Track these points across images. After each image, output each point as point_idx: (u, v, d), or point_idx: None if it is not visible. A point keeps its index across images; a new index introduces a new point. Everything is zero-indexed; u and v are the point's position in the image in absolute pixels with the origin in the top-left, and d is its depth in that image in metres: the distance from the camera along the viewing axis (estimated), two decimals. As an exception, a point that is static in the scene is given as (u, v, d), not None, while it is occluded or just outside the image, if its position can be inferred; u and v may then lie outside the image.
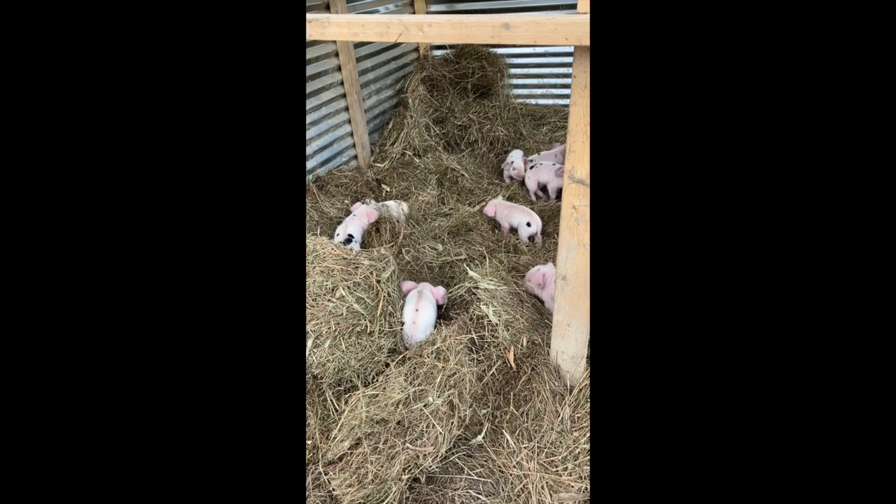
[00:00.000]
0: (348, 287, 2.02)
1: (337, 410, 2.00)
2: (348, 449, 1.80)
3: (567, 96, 4.48)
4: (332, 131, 3.74)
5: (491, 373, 2.00)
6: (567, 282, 1.74)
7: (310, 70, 3.37)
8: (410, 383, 1.88)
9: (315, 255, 2.13)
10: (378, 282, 2.09)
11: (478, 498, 1.74)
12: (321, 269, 2.07)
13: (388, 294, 2.11)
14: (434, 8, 4.58)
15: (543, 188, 3.49)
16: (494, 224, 3.24)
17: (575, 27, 1.25)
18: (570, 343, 1.88)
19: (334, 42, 3.53)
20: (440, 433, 1.76)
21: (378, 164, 4.01)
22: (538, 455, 1.79)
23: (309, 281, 2.02)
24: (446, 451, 1.79)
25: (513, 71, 4.65)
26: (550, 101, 4.65)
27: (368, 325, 2.01)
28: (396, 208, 3.24)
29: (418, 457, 1.72)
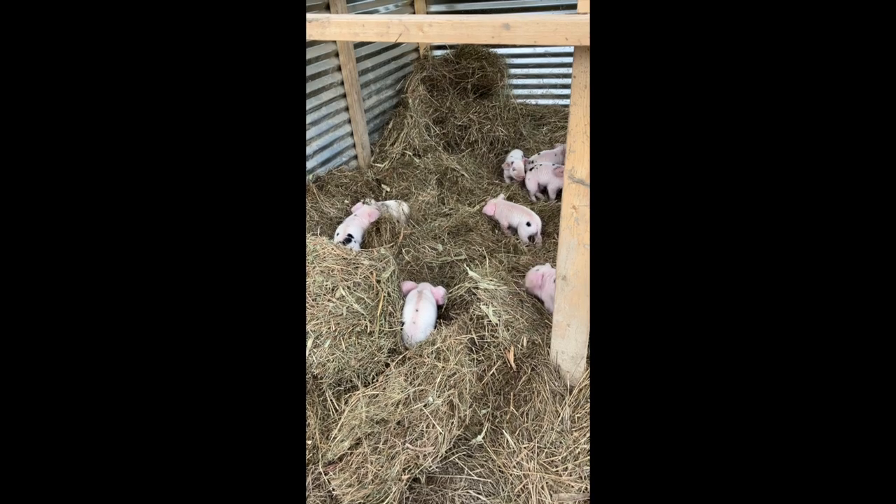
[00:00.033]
0: (348, 287, 2.02)
1: (337, 410, 2.00)
2: (348, 449, 1.80)
3: (567, 96, 4.48)
4: (332, 131, 3.74)
5: (491, 373, 2.00)
6: (567, 282, 1.74)
7: (310, 70, 3.37)
8: (410, 383, 1.88)
9: (315, 255, 2.13)
10: (378, 282, 2.09)
11: (478, 498, 1.74)
12: (321, 269, 2.07)
13: (388, 294, 2.11)
14: (434, 8, 4.58)
15: (544, 189, 3.49)
16: (494, 224, 3.24)
17: (575, 27, 1.25)
18: (570, 343, 1.88)
19: (334, 42, 3.53)
20: (440, 433, 1.76)
21: (378, 164, 4.01)
22: (538, 455, 1.79)
23: (309, 281, 2.02)
24: (446, 452, 1.79)
25: (513, 71, 4.65)
26: (550, 102, 4.65)
27: (368, 325, 2.01)
28: (397, 208, 3.24)
29: (418, 457, 1.72)
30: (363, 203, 3.24)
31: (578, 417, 1.85)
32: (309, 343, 1.95)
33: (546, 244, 2.99)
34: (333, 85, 3.63)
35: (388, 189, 3.69)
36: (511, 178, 3.72)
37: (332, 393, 2.05)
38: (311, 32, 1.63)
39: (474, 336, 2.09)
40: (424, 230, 3.17)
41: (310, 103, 3.44)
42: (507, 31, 1.34)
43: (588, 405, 1.87)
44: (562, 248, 1.69)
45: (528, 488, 1.72)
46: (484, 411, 1.92)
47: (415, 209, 3.37)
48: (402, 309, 2.21)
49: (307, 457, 1.86)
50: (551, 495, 1.69)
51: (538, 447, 1.81)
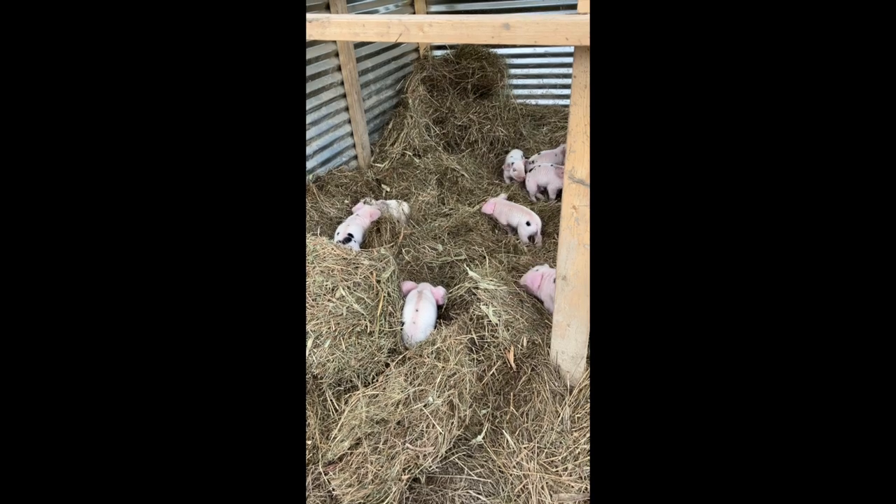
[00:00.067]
0: (348, 287, 2.02)
1: (337, 410, 1.99)
2: (348, 449, 1.80)
3: (567, 96, 4.48)
4: (332, 131, 3.74)
5: (491, 373, 2.00)
6: (567, 282, 1.74)
7: (310, 70, 3.37)
8: (410, 383, 1.88)
9: (315, 255, 2.13)
10: (378, 282, 2.09)
11: (478, 498, 1.74)
12: (321, 269, 2.07)
13: (388, 294, 2.11)
14: (434, 8, 4.58)
15: (543, 190, 3.49)
16: (494, 224, 3.24)
17: (575, 27, 1.25)
18: (570, 343, 1.88)
19: (334, 42, 3.53)
20: (440, 433, 1.75)
21: (378, 165, 4.01)
22: (538, 455, 1.79)
23: (309, 281, 2.02)
24: (446, 452, 1.79)
25: (513, 71, 4.65)
26: (550, 102, 4.65)
27: (368, 325, 2.01)
28: (397, 208, 3.24)
29: (418, 457, 1.72)
30: (364, 203, 3.23)
31: (578, 417, 1.85)
32: (309, 343, 1.95)
33: (546, 244, 2.99)
34: (333, 85, 3.63)
35: (388, 189, 3.69)
36: (511, 179, 3.72)
37: (332, 393, 2.05)
38: (312, 32, 1.63)
39: (474, 336, 2.09)
40: (424, 230, 3.17)
41: (310, 103, 3.44)
42: (508, 31, 1.34)
43: (588, 405, 1.87)
44: (562, 248, 1.69)
45: (528, 488, 1.72)
46: (484, 411, 1.92)
47: (415, 209, 3.37)
48: (402, 309, 2.21)
49: (307, 457, 1.86)
50: (551, 495, 1.69)
51: (538, 447, 1.81)
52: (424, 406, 1.80)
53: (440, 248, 2.98)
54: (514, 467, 1.78)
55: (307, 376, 2.04)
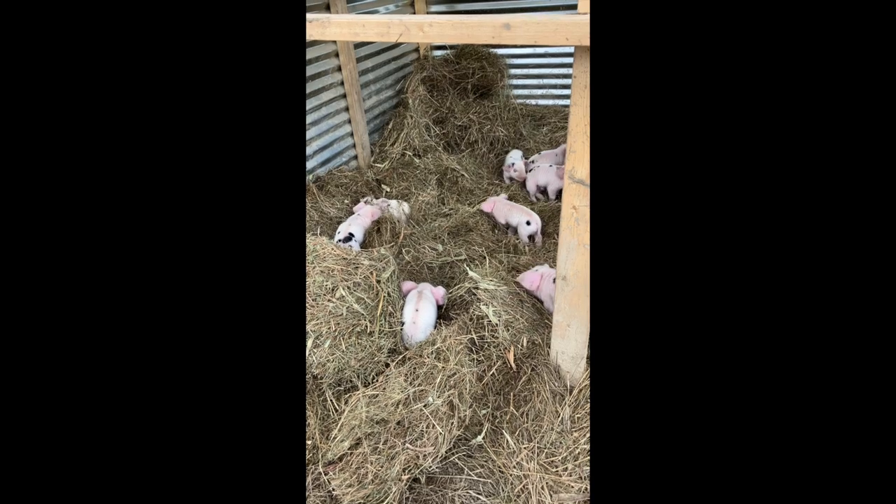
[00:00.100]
0: (348, 287, 2.02)
1: (337, 410, 1.99)
2: (348, 449, 1.80)
3: (567, 97, 4.48)
4: (333, 131, 3.74)
5: (491, 373, 2.00)
6: (567, 282, 1.74)
7: (310, 70, 3.37)
8: (410, 383, 1.88)
9: (315, 255, 2.13)
10: (378, 282, 2.09)
11: (478, 498, 1.74)
12: (321, 269, 2.06)
13: (388, 294, 2.11)
14: (434, 8, 4.58)
15: (543, 190, 3.49)
16: (494, 224, 3.24)
17: (575, 27, 1.25)
18: (570, 343, 1.88)
19: (334, 42, 3.54)
20: (440, 433, 1.75)
21: (378, 165, 4.01)
22: (538, 455, 1.78)
23: (309, 281, 2.02)
24: (446, 452, 1.79)
25: (513, 71, 4.66)
26: (550, 102, 4.65)
27: (368, 325, 2.01)
28: (397, 208, 3.24)
29: (418, 457, 1.72)
30: (365, 202, 3.23)
31: (578, 418, 1.85)
32: (309, 343, 1.95)
33: (546, 244, 2.99)
34: (333, 85, 3.63)
35: (388, 189, 3.69)
36: (511, 179, 3.72)
37: (332, 393, 2.05)
38: (312, 32, 1.63)
39: (474, 336, 2.09)
40: (424, 230, 3.17)
41: (310, 103, 3.44)
42: (508, 31, 1.34)
43: (588, 405, 1.87)
44: (562, 248, 1.69)
45: (528, 488, 1.72)
46: (484, 411, 1.92)
47: (415, 209, 3.37)
48: (402, 309, 2.21)
49: (307, 457, 1.86)
50: (551, 495, 1.69)
51: (538, 447, 1.81)
52: (424, 406, 1.80)
53: (440, 248, 2.98)
54: (514, 467, 1.78)
55: (307, 376, 2.04)
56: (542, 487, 1.70)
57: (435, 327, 2.20)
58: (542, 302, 2.36)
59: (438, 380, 1.85)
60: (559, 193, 3.39)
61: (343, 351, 1.96)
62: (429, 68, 4.33)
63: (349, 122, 3.87)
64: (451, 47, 4.50)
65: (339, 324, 1.96)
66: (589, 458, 1.74)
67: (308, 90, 3.38)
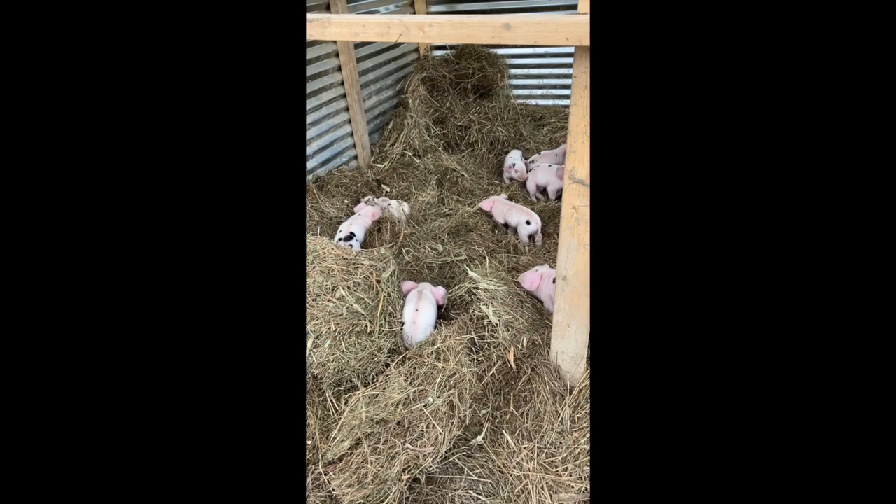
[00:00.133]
0: (348, 287, 2.02)
1: (337, 410, 1.99)
2: (348, 449, 1.80)
3: (567, 97, 4.48)
4: (333, 131, 3.74)
5: (491, 373, 2.00)
6: (567, 282, 1.74)
7: (310, 70, 3.37)
8: (410, 383, 1.88)
9: (315, 255, 2.13)
10: (378, 282, 2.09)
11: (478, 498, 1.74)
12: (321, 269, 2.06)
13: (388, 294, 2.11)
14: (434, 8, 4.58)
15: (543, 190, 3.49)
16: (494, 224, 3.24)
17: (576, 27, 1.25)
18: (571, 343, 1.88)
19: (335, 42, 3.54)
20: (440, 433, 1.75)
21: (378, 165, 4.01)
22: (538, 455, 1.78)
23: (309, 281, 2.02)
24: (446, 452, 1.79)
25: (513, 71, 4.66)
26: (550, 102, 4.65)
27: (368, 325, 2.01)
28: (397, 208, 3.24)
29: (418, 457, 1.72)
30: (366, 203, 3.24)
31: (578, 418, 1.85)
32: (309, 343, 1.95)
33: (546, 244, 2.99)
34: (334, 85, 3.63)
35: (388, 189, 3.69)
36: (511, 180, 3.72)
37: (332, 393, 2.04)
38: (312, 32, 1.63)
39: (474, 336, 2.09)
40: (424, 230, 3.17)
41: (310, 103, 3.44)
42: (508, 31, 1.34)
43: (588, 405, 1.87)
44: (562, 248, 1.69)
45: (528, 489, 1.72)
46: (484, 411, 1.92)
47: (415, 209, 3.37)
48: (402, 309, 2.21)
49: (307, 457, 1.86)
50: (551, 496, 1.69)
51: (538, 447, 1.81)
52: (424, 406, 1.80)
53: (440, 248, 2.98)
54: (514, 467, 1.77)
55: (307, 376, 2.04)
56: (542, 487, 1.70)
57: (435, 327, 2.20)
58: (541, 302, 2.36)
59: (438, 380, 1.85)
60: (559, 193, 3.39)
61: (343, 351, 1.96)
62: (429, 68, 4.34)
63: (349, 122, 3.87)
64: (451, 47, 4.50)
65: (339, 324, 1.96)
66: (589, 458, 1.74)
67: (308, 90, 3.38)
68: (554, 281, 1.99)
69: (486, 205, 3.23)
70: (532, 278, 2.36)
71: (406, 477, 1.71)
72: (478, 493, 1.75)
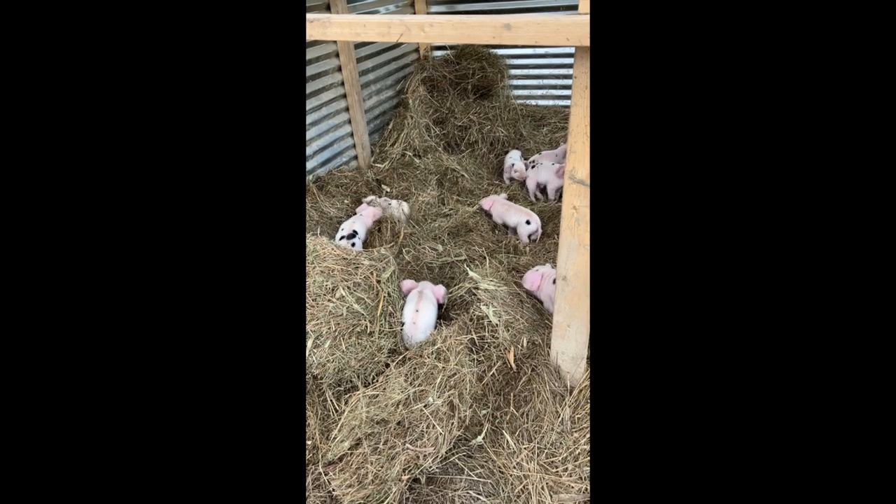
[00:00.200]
0: (348, 287, 2.02)
1: (337, 411, 1.99)
2: (348, 449, 1.80)
3: (567, 97, 4.48)
4: (333, 131, 3.74)
5: (491, 373, 2.00)
6: (567, 282, 1.74)
7: (310, 70, 3.37)
8: (410, 384, 1.88)
9: (315, 255, 2.13)
10: (378, 282, 2.09)
11: (478, 499, 1.74)
12: (321, 269, 2.06)
13: (389, 294, 2.11)
14: (434, 9, 4.58)
15: (543, 189, 3.49)
16: (494, 224, 3.25)
17: (576, 28, 1.25)
18: (571, 344, 1.88)
19: (335, 42, 3.54)
20: (440, 434, 1.75)
21: (378, 165, 4.01)
22: (538, 456, 1.78)
23: (309, 281, 2.02)
24: (446, 452, 1.79)
25: (513, 72, 4.66)
26: (550, 102, 4.65)
27: (368, 325, 2.01)
28: (397, 208, 3.24)
29: (418, 457, 1.72)
30: (367, 204, 3.24)
31: (578, 418, 1.85)
32: (309, 343, 1.95)
33: (546, 245, 2.99)
34: (334, 85, 3.63)
35: (388, 189, 3.69)
36: (511, 180, 3.73)
37: (332, 393, 2.04)
38: (313, 32, 1.63)
39: (474, 336, 2.09)
40: (424, 231, 3.17)
41: (310, 103, 3.44)
42: (509, 31, 1.34)
43: (588, 406, 1.87)
44: (562, 248, 1.69)
45: (528, 489, 1.72)
46: (484, 412, 1.92)
47: (415, 209, 3.37)
48: (402, 309, 2.21)
49: (307, 457, 1.86)
50: (551, 496, 1.69)
51: (538, 448, 1.81)
52: (424, 406, 1.80)
53: (440, 248, 2.98)
54: (515, 468, 1.77)
55: (307, 376, 2.04)
56: (543, 488, 1.70)
57: (435, 327, 2.20)
58: (541, 302, 2.36)
59: (438, 380, 1.85)
60: (558, 193, 3.39)
61: (343, 351, 1.96)
62: (429, 69, 4.34)
63: (349, 122, 3.87)
64: (452, 48, 4.50)
65: (339, 324, 1.96)
66: (589, 458, 1.74)
67: (308, 90, 3.38)
68: (554, 281, 1.99)
69: (486, 203, 3.23)
70: (533, 278, 2.36)
71: (406, 477, 1.71)
72: (478, 494, 1.75)
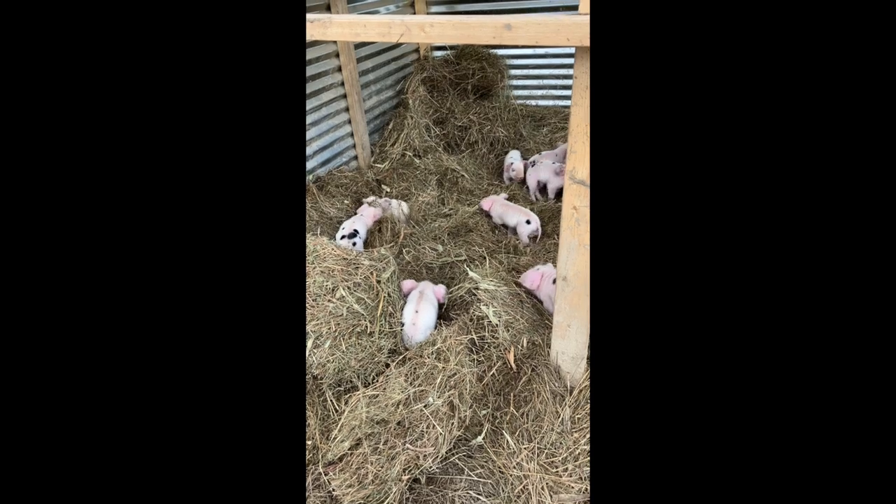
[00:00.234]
0: (348, 287, 2.02)
1: (337, 411, 1.99)
2: (348, 449, 1.80)
3: (567, 97, 4.48)
4: (333, 132, 3.74)
5: (491, 373, 2.00)
6: (567, 282, 1.74)
7: (310, 70, 3.37)
8: (411, 384, 1.88)
9: (315, 255, 2.13)
10: (378, 282, 2.09)
11: (478, 499, 1.74)
12: (321, 269, 2.06)
13: (389, 294, 2.11)
14: (435, 9, 4.58)
15: (543, 188, 3.49)
16: (494, 224, 3.25)
17: (577, 28, 1.25)
18: (571, 344, 1.88)
19: (335, 42, 3.54)
20: (440, 434, 1.75)
21: (378, 165, 4.01)
22: (538, 456, 1.78)
23: (309, 281, 2.02)
24: (446, 452, 1.79)
25: (513, 72, 4.66)
26: (550, 103, 4.65)
27: (368, 325, 2.01)
28: (397, 208, 3.24)
29: (418, 457, 1.72)
30: (369, 205, 3.24)
31: (578, 418, 1.85)
32: (309, 343, 1.95)
33: (546, 245, 2.99)
34: (334, 85, 3.63)
35: (388, 189, 3.69)
36: (510, 180, 3.73)
37: (333, 393, 2.04)
38: (314, 32, 1.63)
39: (474, 336, 2.09)
40: (425, 231, 3.17)
41: (310, 103, 3.44)
42: (509, 31, 1.34)
43: (588, 406, 1.87)
44: (562, 248, 1.69)
45: (528, 489, 1.72)
46: (484, 412, 1.92)
47: (415, 210, 3.37)
48: (402, 309, 2.21)
49: (307, 457, 1.86)
50: (551, 496, 1.69)
51: (538, 448, 1.81)
52: (425, 406, 1.80)
53: (440, 248, 2.98)
54: (515, 468, 1.77)
55: (307, 377, 2.04)
56: (543, 488, 1.70)
57: (435, 328, 2.20)
58: (541, 301, 2.36)
59: (439, 380, 1.85)
60: (558, 192, 3.39)
61: (343, 351, 1.96)
62: (429, 69, 4.34)
63: (349, 122, 3.87)
64: (452, 48, 4.50)
65: (339, 324, 1.96)
66: (589, 458, 1.74)
67: (308, 90, 3.38)
68: (554, 281, 1.99)
69: (485, 204, 3.24)
70: (533, 277, 2.36)
71: (406, 477, 1.71)
72: (478, 494, 1.75)
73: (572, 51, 1.38)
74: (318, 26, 1.62)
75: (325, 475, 1.77)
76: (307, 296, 1.99)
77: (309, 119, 3.47)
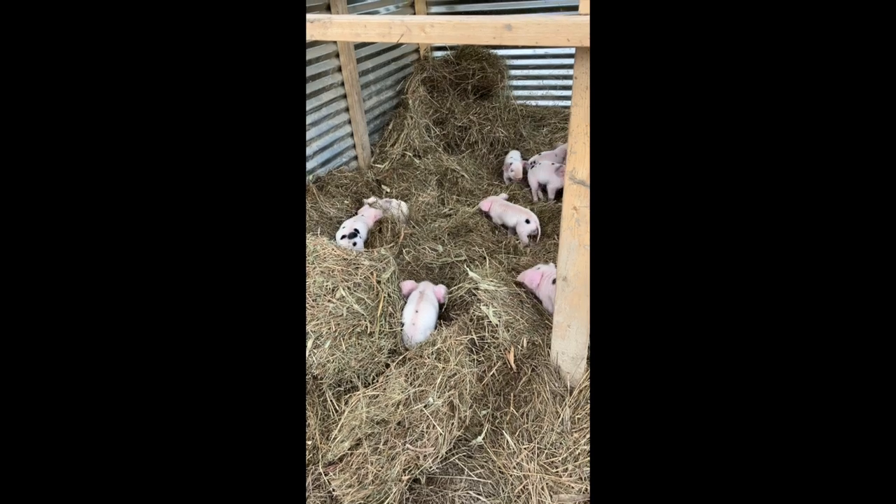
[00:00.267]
0: (348, 288, 2.02)
1: (337, 411, 1.99)
2: (348, 449, 1.80)
3: (567, 98, 4.48)
4: (333, 132, 3.74)
5: (491, 374, 2.00)
6: (568, 283, 1.74)
7: (310, 70, 3.37)
8: (411, 384, 1.88)
9: (315, 255, 2.13)
10: (378, 282, 2.09)
11: (478, 499, 1.74)
12: (321, 269, 2.06)
13: (389, 295, 2.11)
14: (435, 9, 4.58)
15: (543, 188, 3.50)
16: (494, 225, 3.25)
17: (576, 28, 1.25)
18: (571, 344, 1.88)
19: (335, 43, 3.54)
20: (440, 434, 1.75)
21: (378, 165, 4.01)
22: (538, 456, 1.78)
23: (309, 281, 2.02)
24: (446, 452, 1.79)
25: (513, 72, 4.66)
26: (550, 103, 4.65)
27: (368, 325, 2.01)
28: (396, 208, 3.24)
29: (418, 458, 1.72)
30: (368, 205, 3.24)
31: (578, 418, 1.85)
32: (309, 344, 1.95)
33: (546, 245, 3.00)
34: (334, 85, 3.63)
35: (388, 189, 3.70)
36: (510, 180, 3.73)
37: (333, 393, 2.04)
38: (314, 33, 1.63)
39: (474, 337, 2.09)
40: (425, 231, 3.17)
41: (310, 104, 3.44)
42: (509, 31, 1.34)
43: (588, 406, 1.87)
44: (562, 249, 1.69)
45: (528, 489, 1.72)
46: (484, 412, 1.92)
47: (415, 210, 3.37)
48: (402, 309, 2.21)
49: (307, 457, 1.86)
50: (551, 496, 1.69)
51: (538, 448, 1.81)
52: (425, 407, 1.80)
53: (440, 248, 2.98)
54: (515, 468, 1.77)
55: (307, 377, 2.04)
56: (543, 488, 1.70)
57: (435, 328, 2.20)
58: (540, 301, 2.37)
59: (439, 380, 1.85)
60: (558, 193, 3.39)
61: (343, 351, 1.96)
62: (429, 69, 4.34)
63: (349, 122, 3.87)
64: (452, 48, 4.50)
65: (339, 324, 1.96)
66: (589, 458, 1.74)
67: (308, 90, 3.38)
68: (554, 281, 1.99)
69: (484, 205, 3.24)
70: (533, 276, 2.36)
71: (406, 477, 1.71)
72: (478, 494, 1.75)
73: (572, 51, 1.38)
74: (318, 26, 1.62)
75: (325, 475, 1.77)
76: (307, 296, 1.99)
77: (309, 119, 3.47)
